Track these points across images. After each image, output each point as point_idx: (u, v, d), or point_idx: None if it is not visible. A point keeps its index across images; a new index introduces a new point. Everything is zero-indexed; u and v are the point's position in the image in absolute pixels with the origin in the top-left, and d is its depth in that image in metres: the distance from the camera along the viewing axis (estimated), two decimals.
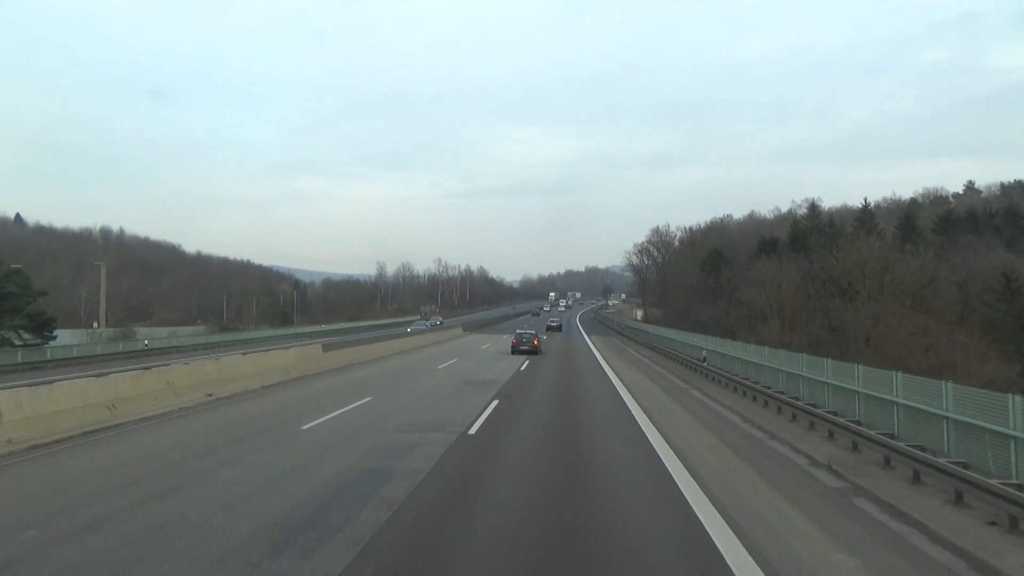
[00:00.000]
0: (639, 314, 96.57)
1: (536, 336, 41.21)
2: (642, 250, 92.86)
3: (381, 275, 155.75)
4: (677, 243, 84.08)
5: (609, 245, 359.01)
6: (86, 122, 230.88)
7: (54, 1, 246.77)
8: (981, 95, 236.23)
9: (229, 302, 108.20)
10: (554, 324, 69.37)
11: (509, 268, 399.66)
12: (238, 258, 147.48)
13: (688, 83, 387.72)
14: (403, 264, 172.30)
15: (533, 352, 37.83)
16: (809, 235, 53.46)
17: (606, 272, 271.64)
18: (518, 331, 42.73)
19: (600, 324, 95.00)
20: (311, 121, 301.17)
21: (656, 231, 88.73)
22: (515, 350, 38.15)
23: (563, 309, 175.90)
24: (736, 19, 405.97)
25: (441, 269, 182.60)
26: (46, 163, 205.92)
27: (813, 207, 60.53)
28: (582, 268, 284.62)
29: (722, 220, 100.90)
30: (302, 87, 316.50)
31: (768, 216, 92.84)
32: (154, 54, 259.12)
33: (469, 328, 70.54)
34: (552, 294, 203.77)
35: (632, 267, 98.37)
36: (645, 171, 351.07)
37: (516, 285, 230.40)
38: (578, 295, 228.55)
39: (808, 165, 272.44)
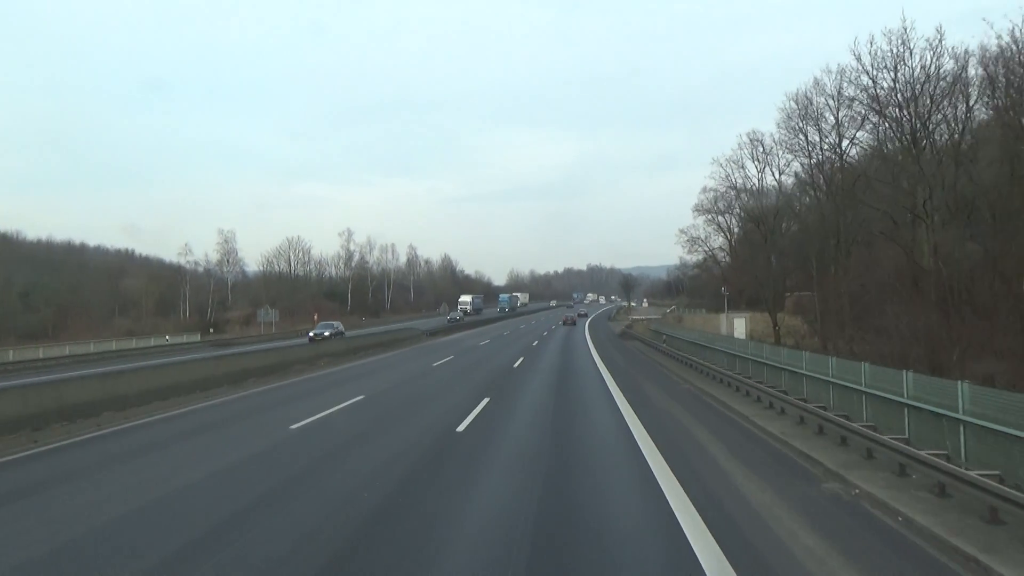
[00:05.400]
0: (741, 328, 48.13)
1: (575, 316, 76.88)
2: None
3: (225, 262, 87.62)
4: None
5: (612, 245, 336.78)
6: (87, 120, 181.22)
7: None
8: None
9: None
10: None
11: (509, 268, 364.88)
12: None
13: (689, 85, 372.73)
14: (291, 238, 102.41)
15: (573, 323, 66.73)
16: None
17: (611, 271, 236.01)
18: (566, 314, 78.06)
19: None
20: (311, 126, 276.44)
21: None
22: (565, 322, 66.12)
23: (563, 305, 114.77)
24: (738, 22, 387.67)
25: (363, 251, 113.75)
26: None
27: None
28: (584, 267, 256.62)
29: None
30: (302, 90, 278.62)
31: None
32: (153, 56, 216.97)
33: None
34: (466, 297, 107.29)
35: (716, 216, 49.00)
36: (645, 173, 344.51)
37: (500, 284, 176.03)
38: (588, 299, 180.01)
39: None
